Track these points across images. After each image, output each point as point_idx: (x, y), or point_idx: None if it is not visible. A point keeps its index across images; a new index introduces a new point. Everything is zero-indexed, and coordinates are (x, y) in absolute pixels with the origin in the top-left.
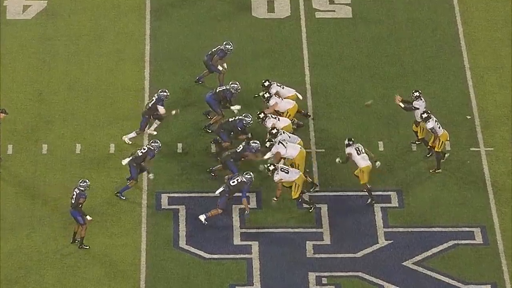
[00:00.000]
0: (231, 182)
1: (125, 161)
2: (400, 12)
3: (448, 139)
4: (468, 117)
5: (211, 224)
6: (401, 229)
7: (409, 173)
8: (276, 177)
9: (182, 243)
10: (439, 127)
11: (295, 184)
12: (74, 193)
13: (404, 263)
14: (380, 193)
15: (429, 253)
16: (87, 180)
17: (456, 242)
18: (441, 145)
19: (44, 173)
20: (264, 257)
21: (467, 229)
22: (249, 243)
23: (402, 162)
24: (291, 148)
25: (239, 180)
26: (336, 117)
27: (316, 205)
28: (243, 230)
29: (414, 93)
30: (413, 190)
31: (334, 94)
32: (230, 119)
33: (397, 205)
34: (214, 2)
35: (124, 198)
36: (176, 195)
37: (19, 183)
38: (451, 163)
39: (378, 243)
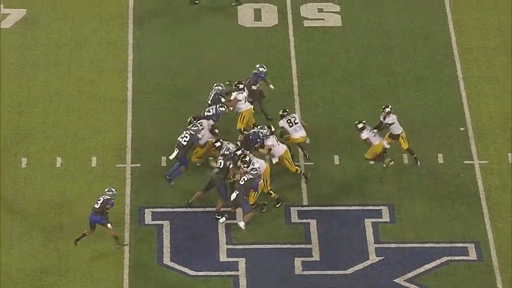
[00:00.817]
0: (240, 182)
1: (173, 155)
2: (391, 20)
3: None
4: (462, 129)
5: (196, 240)
6: (392, 245)
7: (401, 187)
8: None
9: (167, 259)
10: (374, 136)
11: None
12: (101, 198)
13: (395, 280)
14: (371, 207)
15: (421, 269)
16: (113, 189)
17: (449, 258)
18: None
19: (23, 187)
20: (252, 274)
21: (460, 244)
22: (236, 259)
23: (393, 175)
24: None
25: (246, 179)
26: (326, 128)
27: (305, 220)
28: (230, 246)
29: (385, 108)
30: (404, 205)
31: (323, 105)
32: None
33: (389, 220)
34: (199, 11)
35: (173, 184)
36: (160, 210)
37: None
38: (444, 177)
39: (369, 259)
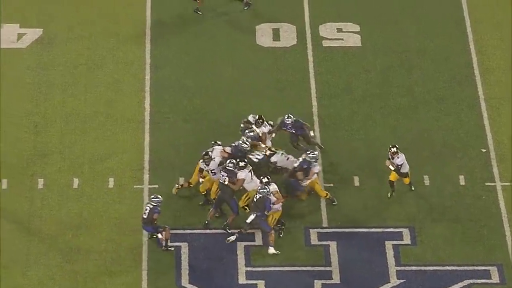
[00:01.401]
0: (255, 200)
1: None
2: (411, 40)
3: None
4: (483, 150)
5: (215, 262)
6: (414, 268)
7: (422, 209)
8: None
9: (185, 281)
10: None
11: (272, 217)
12: (147, 207)
13: None
14: (392, 229)
15: None
16: (159, 196)
17: (471, 281)
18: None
19: (40, 208)
20: None
21: (483, 267)
22: (255, 282)
23: (414, 197)
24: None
25: (257, 197)
26: (346, 149)
27: (325, 242)
28: (249, 268)
29: (391, 148)
30: (426, 227)
31: (343, 126)
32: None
33: (410, 242)
34: (217, 30)
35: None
36: (178, 231)
37: (13, 220)
38: (466, 199)
39: (389, 282)
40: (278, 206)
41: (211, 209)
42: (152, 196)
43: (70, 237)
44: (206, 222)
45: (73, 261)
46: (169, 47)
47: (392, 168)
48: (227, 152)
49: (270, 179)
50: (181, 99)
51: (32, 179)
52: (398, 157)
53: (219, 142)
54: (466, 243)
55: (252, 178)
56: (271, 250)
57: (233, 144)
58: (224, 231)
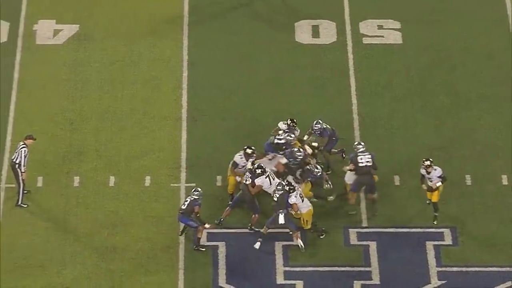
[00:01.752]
0: (274, 199)
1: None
2: (453, 38)
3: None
4: None
5: (252, 262)
6: (455, 269)
7: (464, 209)
8: (292, 199)
9: (222, 282)
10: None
11: (303, 219)
12: (188, 199)
13: None
14: (433, 230)
15: None
16: (199, 189)
17: None
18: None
19: (75, 206)
20: None
21: None
22: (293, 282)
23: (456, 197)
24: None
25: (277, 195)
26: (386, 148)
27: (364, 242)
28: (287, 268)
29: (425, 162)
30: (468, 227)
31: (383, 124)
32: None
33: (451, 243)
34: (255, 27)
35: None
36: (215, 231)
37: (49, 218)
38: (508, 198)
39: (430, 283)
40: (304, 206)
41: (228, 208)
42: (193, 190)
43: (106, 235)
44: (221, 219)
45: (109, 260)
46: (207, 44)
47: (426, 188)
48: (283, 166)
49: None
50: (219, 97)
51: (67, 176)
52: (435, 169)
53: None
54: (509, 244)
55: (271, 183)
56: (300, 242)
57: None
58: (257, 232)
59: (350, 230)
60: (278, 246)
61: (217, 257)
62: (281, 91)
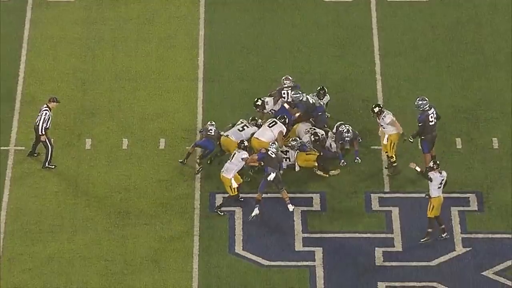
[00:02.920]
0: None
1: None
2: None
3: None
4: None
5: (270, 228)
6: (480, 235)
7: (490, 173)
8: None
9: (239, 248)
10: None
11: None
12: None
13: (484, 273)
14: (458, 195)
15: None
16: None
17: None
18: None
19: (87, 170)
20: (329, 265)
21: None
22: (312, 249)
23: (482, 160)
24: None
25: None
26: (410, 111)
27: (386, 208)
28: (306, 235)
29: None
30: (494, 192)
31: (407, 85)
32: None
33: (477, 209)
34: None
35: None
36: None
37: (60, 181)
38: None
39: (455, 250)
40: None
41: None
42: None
43: (119, 200)
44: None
45: (121, 226)
46: (225, 2)
47: (419, 169)
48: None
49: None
50: (237, 57)
51: (79, 139)
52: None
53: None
54: None
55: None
56: (290, 207)
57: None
58: (278, 196)
59: (372, 195)
60: (297, 211)
61: (233, 223)
62: (301, 51)
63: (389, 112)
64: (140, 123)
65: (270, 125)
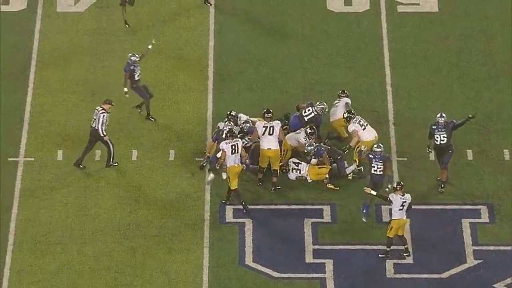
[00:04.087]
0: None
1: None
2: (492, 5)
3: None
4: None
5: (280, 240)
6: (492, 247)
7: (501, 185)
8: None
9: (249, 260)
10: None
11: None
12: None
13: (495, 285)
14: (469, 206)
15: None
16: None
17: None
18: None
19: (96, 181)
20: (340, 277)
21: None
22: (323, 261)
23: (493, 172)
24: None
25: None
26: (420, 122)
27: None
28: (316, 247)
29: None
30: (505, 204)
31: (418, 96)
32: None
33: (488, 220)
34: None
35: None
36: (241, 207)
37: (69, 193)
38: None
39: (466, 262)
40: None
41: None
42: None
43: (128, 211)
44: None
45: (131, 237)
46: (235, 12)
47: (374, 193)
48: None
49: None
50: (247, 67)
51: None
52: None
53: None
54: None
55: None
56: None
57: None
58: (289, 207)
59: (383, 206)
60: (308, 223)
61: (243, 235)
62: (311, 62)
63: (356, 121)
64: (149, 134)
65: (270, 133)
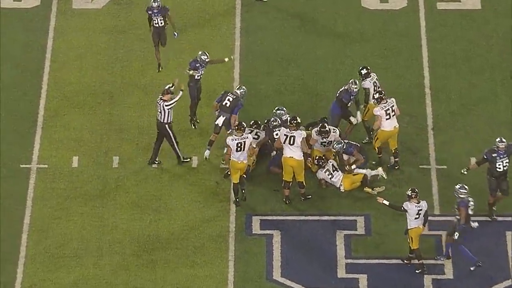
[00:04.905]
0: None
1: None
2: None
3: None
4: None
5: (311, 253)
6: None
7: None
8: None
9: (277, 274)
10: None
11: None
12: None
13: None
14: (510, 218)
15: None
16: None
17: None
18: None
19: (114, 190)
20: None
21: None
22: (356, 276)
23: None
24: None
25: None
26: (461, 127)
27: (436, 232)
28: (349, 261)
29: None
30: None
31: (459, 100)
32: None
33: None
34: None
35: None
36: (269, 218)
37: (85, 202)
38: None
39: (510, 278)
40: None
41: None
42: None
43: (148, 222)
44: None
45: (150, 250)
46: (263, 9)
47: (387, 203)
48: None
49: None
50: (275, 69)
51: (106, 156)
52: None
53: None
54: None
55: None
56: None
57: None
58: (320, 218)
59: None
60: (340, 235)
61: (271, 247)
62: (344, 63)
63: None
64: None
65: (290, 143)
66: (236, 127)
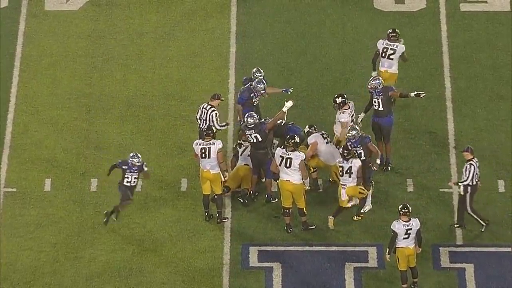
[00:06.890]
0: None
1: None
2: None
3: None
4: None
5: None
6: None
7: None
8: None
9: None
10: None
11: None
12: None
13: None
14: None
15: None
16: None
17: None
18: None
19: (93, 217)
20: None
21: None
22: None
23: None
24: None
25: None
26: (487, 146)
27: (459, 264)
28: None
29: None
30: None
31: (485, 114)
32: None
33: None
34: None
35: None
36: (269, 248)
37: (59, 231)
38: None
39: None
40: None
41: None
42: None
43: (131, 254)
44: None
45: (134, 286)
46: (261, 11)
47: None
48: None
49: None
50: (276, 79)
51: (83, 179)
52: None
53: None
54: None
55: None
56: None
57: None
58: (327, 249)
59: (441, 249)
60: (349, 268)
61: (271, 283)
62: (354, 71)
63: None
64: (157, 160)
65: (286, 166)
66: (205, 132)
